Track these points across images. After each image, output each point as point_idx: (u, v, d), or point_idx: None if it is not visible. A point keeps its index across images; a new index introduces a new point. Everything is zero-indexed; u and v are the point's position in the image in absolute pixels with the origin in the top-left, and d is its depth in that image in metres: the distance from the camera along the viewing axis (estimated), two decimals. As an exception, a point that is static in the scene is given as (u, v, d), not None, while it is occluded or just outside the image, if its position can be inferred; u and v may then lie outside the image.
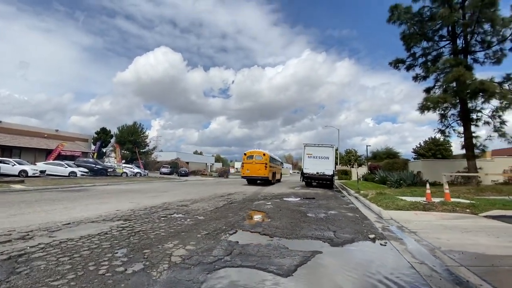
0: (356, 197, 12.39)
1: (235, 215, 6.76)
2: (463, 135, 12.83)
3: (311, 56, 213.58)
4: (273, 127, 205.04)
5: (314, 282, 2.97)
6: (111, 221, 5.63)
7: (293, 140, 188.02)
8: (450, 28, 12.51)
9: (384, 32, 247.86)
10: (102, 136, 38.25)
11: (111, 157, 46.02)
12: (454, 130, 13.66)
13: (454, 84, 11.96)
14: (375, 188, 15.58)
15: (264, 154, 21.29)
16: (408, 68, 14.94)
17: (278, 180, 27.01)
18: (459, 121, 13.18)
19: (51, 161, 23.02)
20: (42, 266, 3.02)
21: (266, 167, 20.40)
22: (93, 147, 36.96)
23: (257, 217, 6.63)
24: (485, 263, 3.51)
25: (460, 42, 12.86)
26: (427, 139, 67.50)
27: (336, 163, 20.11)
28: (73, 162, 24.68)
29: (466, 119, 12.52)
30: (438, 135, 14.37)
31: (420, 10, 13.21)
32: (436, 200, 8.20)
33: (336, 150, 24.55)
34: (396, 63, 15.19)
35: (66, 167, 21.74)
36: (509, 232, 4.99)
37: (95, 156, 34.08)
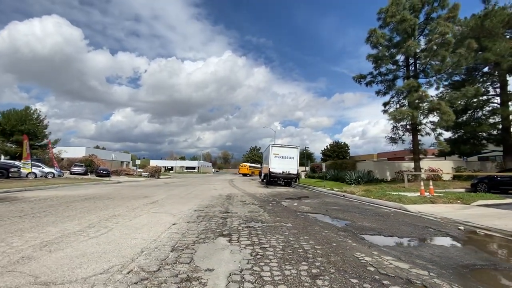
0: (336, 194, 13.65)
1: (307, 222, 6.49)
2: (411, 143, 16.52)
3: (231, 57, 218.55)
4: (188, 124, 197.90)
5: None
6: (214, 239, 4.43)
7: (209, 138, 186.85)
8: (405, 57, 15.90)
9: (294, 47, 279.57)
10: (-18, 123, 27.27)
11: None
12: (400, 138, 17.33)
13: (406, 101, 15.25)
14: (338, 185, 17.66)
15: (247, 164, 61.88)
16: (368, 84, 17.86)
17: (257, 175, 49.02)
18: (406, 132, 16.85)
19: None
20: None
21: (248, 169, 58.15)
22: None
23: (334, 219, 6.58)
24: None
25: (412, 69, 16.49)
26: (332, 142, 79.99)
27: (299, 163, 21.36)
28: None
29: (415, 130, 16.17)
30: (389, 142, 17.75)
31: (390, 37, 16.15)
32: (426, 194, 10.21)
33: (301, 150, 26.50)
34: (358, 78, 17.84)
35: None
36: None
37: (-32, 150, 24.14)
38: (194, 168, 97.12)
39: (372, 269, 3.21)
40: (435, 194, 10.37)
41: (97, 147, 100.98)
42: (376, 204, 9.63)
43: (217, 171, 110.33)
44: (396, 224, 6.13)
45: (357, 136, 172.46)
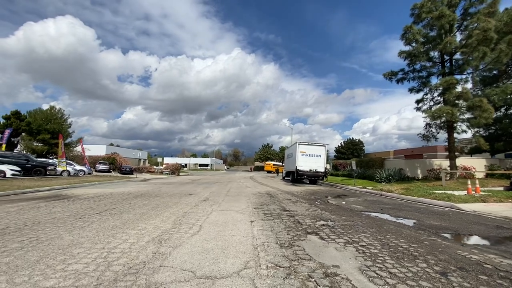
0: (371, 193, 13.64)
1: (374, 220, 6.63)
2: (447, 140, 16.34)
3: (240, 55, 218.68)
4: (197, 122, 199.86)
5: None
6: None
7: (217, 136, 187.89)
8: (440, 53, 15.67)
9: (302, 43, 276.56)
10: (14, 123, 28.38)
11: (16, 150, 34.99)
12: (433, 136, 17.15)
13: (441, 98, 15.08)
14: (369, 184, 17.67)
15: (271, 163, 67.15)
16: (398, 81, 17.69)
17: (281, 173, 43.53)
18: (440, 130, 16.66)
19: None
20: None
21: (272, 167, 62.47)
22: (-4, 136, 27.05)
23: (398, 218, 6.70)
24: None
25: (447, 65, 16.23)
26: (345, 140, 79.07)
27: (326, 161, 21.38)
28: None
29: (450, 128, 15.97)
30: (421, 139, 17.64)
31: (426, 33, 15.94)
32: (473, 192, 10.15)
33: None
34: (389, 75, 17.69)
35: (-15, 165, 15.32)
36: None
37: (3, 148, 25.26)
38: (207, 165, 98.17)
39: (489, 266, 3.34)
40: (481, 193, 10.31)
41: (112, 144, 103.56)
42: (424, 203, 9.63)
43: (228, 168, 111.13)
44: (464, 223, 6.19)
45: (368, 132, 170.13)
